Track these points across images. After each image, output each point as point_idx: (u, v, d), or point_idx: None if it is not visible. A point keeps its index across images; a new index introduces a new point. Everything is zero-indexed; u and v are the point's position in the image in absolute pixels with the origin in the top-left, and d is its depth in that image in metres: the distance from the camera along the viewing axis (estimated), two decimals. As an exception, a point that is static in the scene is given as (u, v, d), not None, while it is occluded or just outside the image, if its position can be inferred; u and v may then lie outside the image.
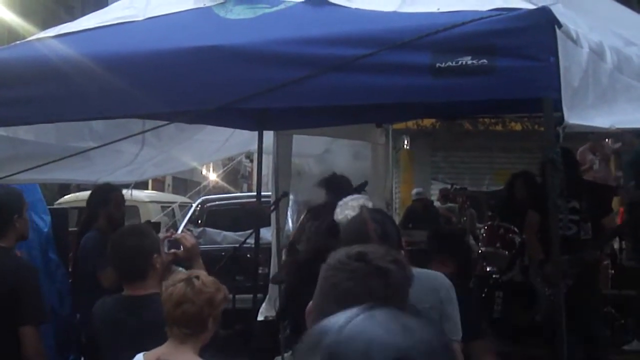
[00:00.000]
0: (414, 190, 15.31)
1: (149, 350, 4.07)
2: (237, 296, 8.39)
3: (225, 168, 17.52)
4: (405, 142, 20.20)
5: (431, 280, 4.21)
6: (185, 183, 33.73)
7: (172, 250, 4.84)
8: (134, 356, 4.14)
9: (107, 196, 6.94)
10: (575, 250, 7.19)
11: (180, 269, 6.72)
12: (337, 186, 7.72)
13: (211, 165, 30.97)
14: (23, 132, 5.89)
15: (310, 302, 2.30)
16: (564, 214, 7.26)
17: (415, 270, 4.15)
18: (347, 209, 4.68)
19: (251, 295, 8.09)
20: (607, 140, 12.77)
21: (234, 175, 40.25)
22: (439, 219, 13.70)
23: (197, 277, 3.95)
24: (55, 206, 12.33)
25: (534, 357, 7.39)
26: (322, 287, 2.29)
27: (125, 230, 4.81)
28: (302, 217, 8.58)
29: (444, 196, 15.93)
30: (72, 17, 5.75)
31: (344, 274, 2.24)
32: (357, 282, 2.21)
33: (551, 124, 3.88)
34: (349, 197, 4.86)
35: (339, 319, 1.55)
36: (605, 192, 8.31)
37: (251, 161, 26.36)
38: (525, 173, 9.12)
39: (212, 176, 30.41)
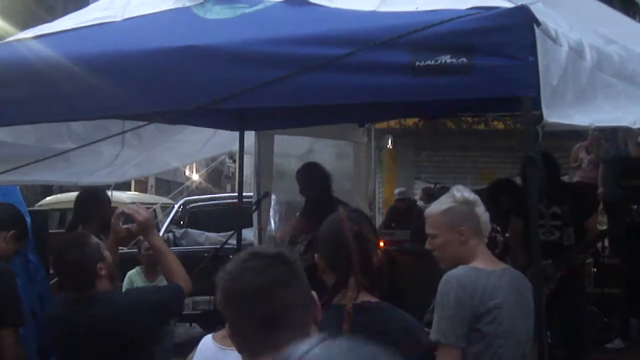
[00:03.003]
0: (397, 190, 15.30)
1: (97, 345, 4.23)
2: (219, 297, 8.36)
3: (207, 168, 17.47)
4: (389, 142, 20.20)
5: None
6: (168, 184, 33.61)
7: (126, 226, 4.84)
8: (78, 353, 4.21)
9: (99, 198, 6.90)
10: (559, 255, 7.18)
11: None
12: (307, 177, 7.82)
13: (194, 166, 30.94)
14: (1, 134, 5.85)
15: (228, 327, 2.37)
16: (545, 220, 7.26)
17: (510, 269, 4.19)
18: None
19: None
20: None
21: (218, 175, 40.23)
22: (422, 219, 13.66)
23: None
24: (35, 208, 12.28)
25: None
26: (229, 295, 2.34)
27: (64, 243, 4.71)
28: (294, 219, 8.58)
29: (428, 195, 15.93)
30: (53, 18, 5.70)
31: (248, 274, 2.30)
32: (263, 274, 2.29)
33: (530, 122, 3.88)
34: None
35: (298, 349, 1.52)
36: (587, 194, 8.28)
37: (234, 162, 26.34)
38: (507, 181, 9.10)
39: (195, 177, 30.35)
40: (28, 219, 6.70)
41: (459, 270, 4.03)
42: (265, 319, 2.27)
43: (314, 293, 2.40)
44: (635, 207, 9.31)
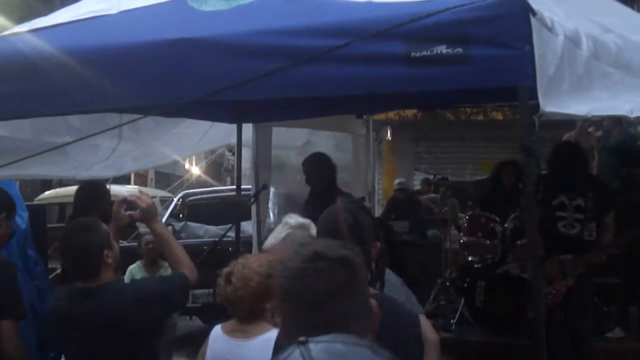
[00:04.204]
0: (396, 181, 15.27)
1: (102, 337, 4.16)
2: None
3: (206, 160, 17.48)
4: (388, 133, 20.19)
5: None
6: (168, 177, 33.66)
7: (128, 213, 4.74)
8: (82, 346, 4.16)
9: (98, 192, 6.89)
10: (579, 250, 7.11)
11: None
12: (316, 168, 7.80)
13: (194, 158, 30.92)
14: (-2, 128, 5.86)
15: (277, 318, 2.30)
16: (568, 212, 7.19)
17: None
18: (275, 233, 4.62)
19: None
20: (589, 128, 12.75)
21: (217, 168, 40.25)
22: (421, 210, 13.69)
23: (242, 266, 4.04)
24: (34, 202, 12.30)
25: (517, 347, 7.40)
26: (287, 294, 2.28)
27: (73, 227, 4.57)
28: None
29: (427, 186, 15.93)
30: (51, 12, 5.68)
31: (310, 277, 2.23)
32: (326, 279, 2.23)
33: (527, 112, 3.88)
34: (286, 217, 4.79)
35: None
36: (608, 188, 8.13)
37: (233, 154, 26.35)
38: (513, 162, 9.11)
39: (195, 170, 30.33)
40: (26, 214, 6.71)
41: None
42: (323, 324, 2.16)
43: (373, 301, 2.34)
44: None
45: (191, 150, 11.31)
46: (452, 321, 8.97)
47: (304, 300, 2.22)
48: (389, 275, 4.23)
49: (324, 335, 2.05)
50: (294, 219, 4.34)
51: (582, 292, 7.23)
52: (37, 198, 15.22)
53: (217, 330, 4.13)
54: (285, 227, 4.31)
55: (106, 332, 4.19)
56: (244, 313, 3.99)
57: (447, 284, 9.91)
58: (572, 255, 7.02)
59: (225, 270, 4.07)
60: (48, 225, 8.30)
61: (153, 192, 19.31)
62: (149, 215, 4.71)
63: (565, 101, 4.06)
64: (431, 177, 15.49)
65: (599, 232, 7.24)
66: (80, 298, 4.28)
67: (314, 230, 4.23)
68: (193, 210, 13.64)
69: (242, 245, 8.69)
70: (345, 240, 3.26)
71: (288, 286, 2.26)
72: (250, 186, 9.27)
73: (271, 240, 4.36)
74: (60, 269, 6.95)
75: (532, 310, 7.51)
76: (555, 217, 7.08)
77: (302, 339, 1.97)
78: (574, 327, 7.28)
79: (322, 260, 2.25)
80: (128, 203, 4.73)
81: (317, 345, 1.92)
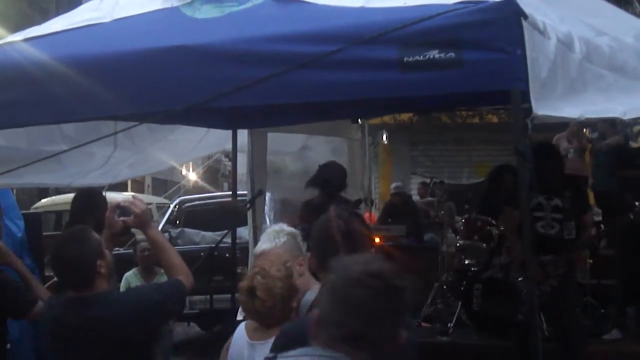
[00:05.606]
0: (393, 185, 15.29)
1: (96, 346, 4.11)
2: (215, 296, 8.36)
3: (203, 166, 17.44)
4: (384, 137, 20.18)
5: None
6: (165, 183, 33.55)
7: (122, 219, 4.59)
8: (76, 355, 4.16)
9: (95, 200, 6.88)
10: (559, 250, 7.14)
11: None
12: (326, 183, 7.82)
13: (191, 164, 30.88)
14: (-7, 137, 5.85)
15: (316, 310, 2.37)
16: (545, 212, 7.22)
17: None
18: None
19: (230, 295, 8.05)
20: (585, 130, 12.78)
21: (214, 174, 40.19)
22: (418, 213, 13.69)
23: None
24: (31, 211, 12.29)
25: (514, 350, 7.41)
26: (333, 297, 2.35)
27: (63, 238, 4.49)
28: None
29: (425, 190, 15.94)
30: (47, 21, 5.69)
31: (360, 289, 2.31)
32: (374, 298, 2.30)
33: (519, 115, 3.89)
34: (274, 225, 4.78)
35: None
36: (586, 187, 8.21)
37: (230, 160, 26.23)
38: (513, 167, 9.13)
39: (192, 176, 30.29)
40: (22, 222, 6.72)
41: (310, 295, 3.98)
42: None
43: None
44: (637, 203, 9.30)
45: (187, 157, 11.29)
46: (449, 325, 8.99)
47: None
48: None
49: (292, 350, 2.09)
50: (288, 227, 4.32)
51: (566, 291, 7.27)
52: (34, 206, 15.22)
53: (241, 328, 4.09)
54: (283, 234, 4.26)
55: (101, 342, 4.12)
56: (274, 320, 3.93)
57: (444, 287, 9.89)
58: (553, 256, 7.05)
59: (245, 284, 3.97)
60: (44, 234, 8.31)
61: (150, 198, 19.27)
62: (143, 220, 4.57)
63: (558, 104, 4.07)
64: (428, 180, 15.51)
65: (578, 231, 7.29)
66: (74, 307, 4.21)
67: (300, 238, 4.25)
68: (190, 217, 13.61)
69: (239, 251, 8.69)
70: (338, 247, 3.27)
71: (364, 301, 2.33)
72: (246, 192, 9.27)
73: (268, 244, 4.30)
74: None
75: (520, 313, 7.61)
76: (533, 218, 7.09)
77: (270, 355, 2.02)
78: (561, 326, 7.31)
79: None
80: (121, 209, 4.59)
81: None
